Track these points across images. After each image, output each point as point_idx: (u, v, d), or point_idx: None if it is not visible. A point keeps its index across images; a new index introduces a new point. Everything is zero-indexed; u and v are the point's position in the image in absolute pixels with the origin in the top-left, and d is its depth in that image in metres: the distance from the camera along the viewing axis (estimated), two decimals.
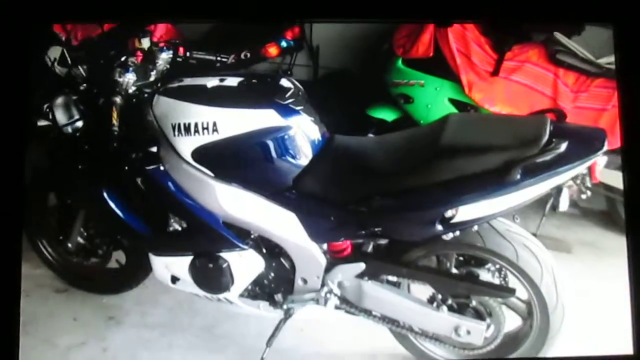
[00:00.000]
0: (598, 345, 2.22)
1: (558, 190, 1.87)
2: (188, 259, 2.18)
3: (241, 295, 2.21)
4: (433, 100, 3.20)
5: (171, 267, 2.22)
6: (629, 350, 1.82)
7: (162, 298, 2.63)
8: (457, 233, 1.96)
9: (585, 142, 1.82)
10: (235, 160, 2.01)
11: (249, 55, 3.38)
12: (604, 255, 3.27)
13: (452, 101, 3.18)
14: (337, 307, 2.16)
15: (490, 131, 1.94)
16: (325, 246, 2.13)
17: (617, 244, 3.25)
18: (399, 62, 3.32)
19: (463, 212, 1.85)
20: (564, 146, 1.77)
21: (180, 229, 2.22)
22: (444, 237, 1.97)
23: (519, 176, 1.78)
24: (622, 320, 1.88)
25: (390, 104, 3.39)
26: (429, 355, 2.29)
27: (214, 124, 1.95)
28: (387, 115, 3.37)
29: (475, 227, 1.98)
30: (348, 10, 1.83)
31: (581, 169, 1.82)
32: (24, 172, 1.81)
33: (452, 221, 1.87)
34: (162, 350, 2.40)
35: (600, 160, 3.11)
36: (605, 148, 1.82)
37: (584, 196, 2.67)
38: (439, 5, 1.76)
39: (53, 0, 1.77)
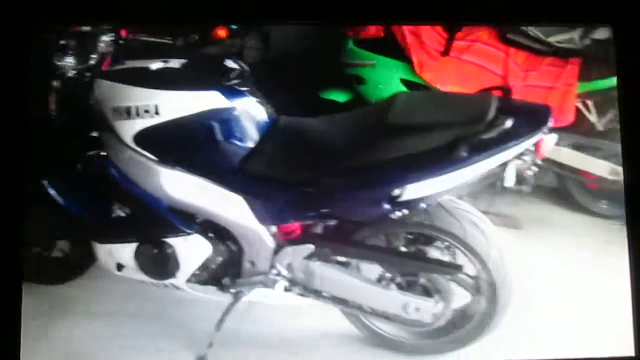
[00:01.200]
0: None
1: (504, 166, 1.85)
2: (133, 246, 2.13)
3: (188, 281, 2.17)
4: (385, 80, 3.18)
5: (116, 254, 2.17)
6: (630, 351, 1.82)
7: (108, 286, 2.55)
8: (405, 211, 1.93)
9: (530, 119, 1.82)
10: (179, 144, 1.97)
11: (197, 37, 3.31)
12: (553, 230, 3.29)
13: (404, 81, 3.17)
14: (286, 289, 2.13)
15: (436, 109, 1.94)
16: (274, 228, 2.08)
17: (566, 220, 3.32)
18: (351, 43, 3.29)
19: (410, 191, 1.84)
20: (509, 122, 1.77)
21: (123, 215, 2.17)
22: (392, 216, 1.94)
23: (465, 153, 1.78)
24: (623, 321, 1.87)
25: (342, 86, 3.36)
26: (379, 333, 2.29)
27: (156, 107, 1.91)
28: (339, 96, 3.34)
29: (423, 205, 1.95)
30: (360, 12, 1.84)
31: (527, 145, 1.81)
32: (24, 172, 1.79)
33: (400, 200, 1.86)
34: (109, 339, 2.33)
35: (550, 137, 3.17)
36: (550, 124, 1.82)
37: (530, 172, 2.69)
38: (448, 8, 1.78)
39: (53, 2, 1.77)
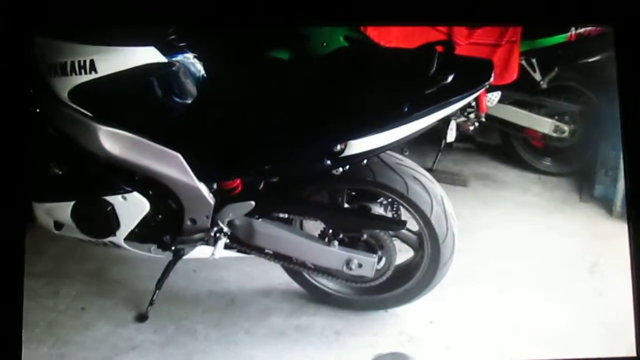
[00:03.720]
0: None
1: (446, 122, 1.85)
2: (70, 204, 2.06)
3: (128, 239, 2.11)
4: (329, 38, 3.12)
5: (53, 213, 2.11)
6: (631, 352, 1.78)
7: (47, 246, 2.50)
8: (347, 168, 1.92)
9: (472, 74, 1.81)
10: (115, 100, 1.91)
11: None
12: (498, 187, 3.33)
13: (347, 38, 3.12)
14: (227, 247, 2.12)
15: (378, 64, 1.91)
16: (215, 185, 2.04)
17: (510, 177, 3.37)
18: None
19: (352, 146, 1.82)
20: (450, 78, 1.75)
21: (60, 173, 2.09)
22: (334, 172, 1.93)
23: (406, 109, 1.75)
24: (625, 321, 1.82)
25: (286, 43, 3.30)
26: (322, 289, 2.29)
27: (92, 62, 1.84)
28: (283, 54, 3.28)
29: (365, 161, 1.94)
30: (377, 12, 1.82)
31: (468, 100, 1.80)
32: (24, 172, 1.74)
33: (341, 155, 1.84)
34: (48, 298, 2.29)
35: (494, 95, 3.20)
36: (492, 79, 1.81)
37: (472, 127, 2.71)
38: (448, 8, 1.77)
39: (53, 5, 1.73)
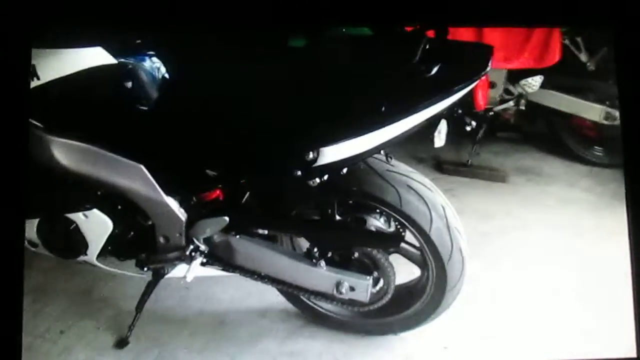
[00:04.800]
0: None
1: (435, 121, 1.56)
2: (35, 222, 1.89)
3: (101, 257, 1.92)
4: None
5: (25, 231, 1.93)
6: (632, 353, 1.68)
7: (40, 259, 2.31)
8: (324, 178, 1.65)
9: (463, 63, 1.51)
10: (64, 108, 1.70)
11: None
12: (541, 182, 2.98)
13: None
14: (208, 264, 1.88)
15: (355, 55, 1.62)
16: (194, 198, 1.82)
17: (557, 170, 3.01)
18: None
19: (325, 154, 1.56)
20: (434, 69, 1.46)
21: None
22: (310, 183, 1.66)
23: (383, 108, 1.47)
24: (625, 322, 1.70)
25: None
26: (318, 311, 2.05)
27: (33, 68, 1.64)
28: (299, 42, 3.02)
29: (344, 170, 1.67)
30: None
31: (458, 96, 1.50)
32: (25, 172, 1.66)
33: (314, 165, 1.57)
34: (29, 319, 2.11)
35: (535, 80, 2.84)
36: (489, 69, 1.50)
37: (468, 128, 2.38)
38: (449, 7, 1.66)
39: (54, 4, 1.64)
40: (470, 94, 1.60)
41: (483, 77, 1.54)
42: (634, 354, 1.66)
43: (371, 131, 1.51)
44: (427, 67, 1.48)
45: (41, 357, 1.99)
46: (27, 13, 1.65)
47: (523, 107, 3.02)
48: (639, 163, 1.63)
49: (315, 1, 1.67)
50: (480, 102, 2.43)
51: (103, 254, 1.94)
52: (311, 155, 1.57)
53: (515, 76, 3.07)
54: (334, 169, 1.62)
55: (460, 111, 1.67)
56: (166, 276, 1.99)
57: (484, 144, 3.07)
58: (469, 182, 3.07)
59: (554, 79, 2.96)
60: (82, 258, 1.94)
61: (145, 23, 1.69)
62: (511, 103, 3.04)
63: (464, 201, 2.88)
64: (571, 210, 2.74)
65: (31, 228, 1.90)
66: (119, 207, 1.84)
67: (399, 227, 1.86)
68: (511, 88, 3.09)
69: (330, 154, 1.55)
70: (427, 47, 1.53)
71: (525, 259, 2.39)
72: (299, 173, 1.59)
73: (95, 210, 1.81)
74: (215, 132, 1.67)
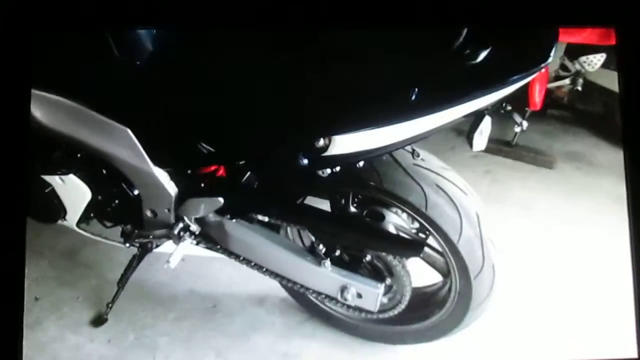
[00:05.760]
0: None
1: (477, 118, 1.26)
2: None
3: (81, 224, 1.70)
4: None
5: None
6: (633, 353, 1.51)
7: None
8: (336, 169, 1.37)
9: (519, 50, 1.20)
10: (44, 56, 1.43)
11: None
12: (592, 172, 2.66)
13: None
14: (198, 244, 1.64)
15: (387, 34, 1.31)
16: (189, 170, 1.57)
17: (610, 159, 2.68)
18: None
19: (337, 144, 1.27)
20: (482, 55, 1.15)
21: None
22: (319, 173, 1.38)
23: (413, 96, 1.17)
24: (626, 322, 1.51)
25: None
26: (321, 309, 1.81)
27: None
28: None
29: (360, 164, 1.39)
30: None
31: (508, 91, 1.19)
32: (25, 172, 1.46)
33: (325, 154, 1.28)
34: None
35: (596, 58, 2.49)
36: (550, 59, 1.19)
37: (517, 129, 2.05)
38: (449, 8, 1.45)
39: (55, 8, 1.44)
40: (524, 88, 1.28)
41: (543, 70, 1.22)
42: (634, 355, 1.51)
43: (395, 122, 1.21)
44: (472, 51, 1.17)
45: None
46: (28, 13, 1.45)
47: (579, 88, 2.67)
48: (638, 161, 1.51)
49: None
50: (537, 99, 2.09)
51: (85, 220, 1.70)
52: (321, 142, 1.28)
53: (575, 52, 2.73)
54: (344, 162, 1.34)
55: (509, 108, 1.38)
56: (154, 250, 1.75)
57: (532, 121, 2.73)
58: (512, 165, 2.76)
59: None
60: (61, 222, 1.71)
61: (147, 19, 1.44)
62: (567, 81, 2.69)
63: (504, 186, 2.60)
64: (623, 210, 2.41)
65: None
66: (102, 172, 1.59)
67: (422, 230, 1.58)
68: (569, 64, 2.76)
69: (344, 143, 1.27)
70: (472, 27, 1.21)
71: (561, 259, 2.11)
72: (305, 161, 1.31)
73: (71, 176, 1.57)
74: (212, 101, 1.38)
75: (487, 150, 2.82)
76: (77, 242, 2.05)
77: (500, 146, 2.82)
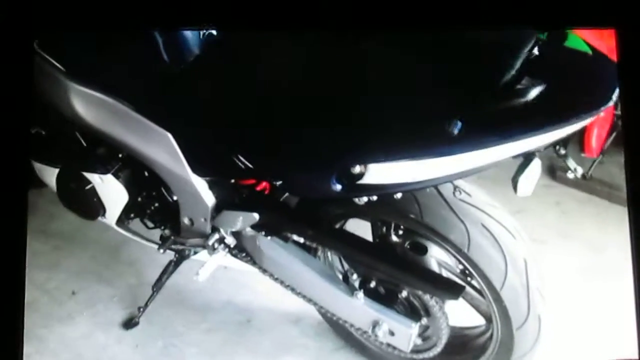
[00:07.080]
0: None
1: (525, 161, 1.16)
2: (56, 171, 1.67)
3: (121, 224, 1.70)
4: None
5: (43, 174, 1.74)
6: (634, 355, 1.47)
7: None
8: (373, 198, 1.29)
9: (578, 88, 1.09)
10: (91, 52, 1.42)
11: None
12: None
13: None
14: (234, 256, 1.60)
15: (443, 56, 1.22)
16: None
17: None
18: None
19: (373, 172, 1.18)
20: (535, 91, 1.04)
21: (43, 133, 1.69)
22: (357, 201, 1.30)
23: (456, 130, 1.07)
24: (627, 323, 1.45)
25: None
26: (355, 338, 1.73)
27: None
28: None
29: (398, 195, 1.30)
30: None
31: (562, 134, 1.08)
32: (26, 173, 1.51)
33: (359, 182, 1.20)
34: (43, 269, 1.95)
35: None
36: (614, 99, 1.07)
37: (570, 175, 1.87)
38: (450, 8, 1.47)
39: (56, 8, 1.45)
40: (580, 131, 1.16)
41: (602, 113, 1.10)
42: (635, 356, 1.47)
43: (435, 156, 1.12)
44: (525, 87, 1.06)
45: (39, 320, 1.77)
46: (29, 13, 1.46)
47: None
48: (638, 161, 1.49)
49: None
50: (593, 144, 1.92)
51: (125, 219, 1.71)
52: (357, 169, 1.20)
53: None
54: (380, 192, 1.26)
55: (563, 152, 1.27)
56: (192, 257, 1.72)
57: (609, 152, 2.53)
58: (585, 199, 2.58)
59: None
60: (101, 220, 1.69)
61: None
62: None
63: (574, 221, 2.43)
64: None
65: (50, 175, 1.71)
66: (141, 176, 1.57)
67: (464, 271, 1.48)
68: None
69: (380, 173, 1.18)
70: (530, 56, 1.10)
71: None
72: (339, 187, 1.23)
73: (110, 176, 1.55)
74: (251, 116, 1.32)
75: (559, 180, 2.65)
76: (122, 238, 2.02)
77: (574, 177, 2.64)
